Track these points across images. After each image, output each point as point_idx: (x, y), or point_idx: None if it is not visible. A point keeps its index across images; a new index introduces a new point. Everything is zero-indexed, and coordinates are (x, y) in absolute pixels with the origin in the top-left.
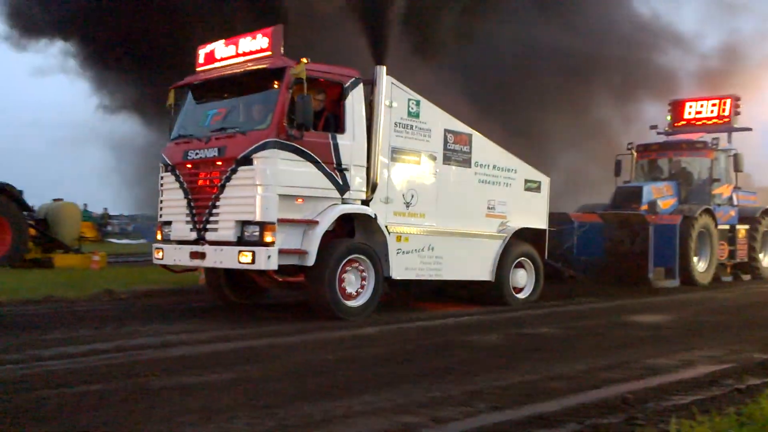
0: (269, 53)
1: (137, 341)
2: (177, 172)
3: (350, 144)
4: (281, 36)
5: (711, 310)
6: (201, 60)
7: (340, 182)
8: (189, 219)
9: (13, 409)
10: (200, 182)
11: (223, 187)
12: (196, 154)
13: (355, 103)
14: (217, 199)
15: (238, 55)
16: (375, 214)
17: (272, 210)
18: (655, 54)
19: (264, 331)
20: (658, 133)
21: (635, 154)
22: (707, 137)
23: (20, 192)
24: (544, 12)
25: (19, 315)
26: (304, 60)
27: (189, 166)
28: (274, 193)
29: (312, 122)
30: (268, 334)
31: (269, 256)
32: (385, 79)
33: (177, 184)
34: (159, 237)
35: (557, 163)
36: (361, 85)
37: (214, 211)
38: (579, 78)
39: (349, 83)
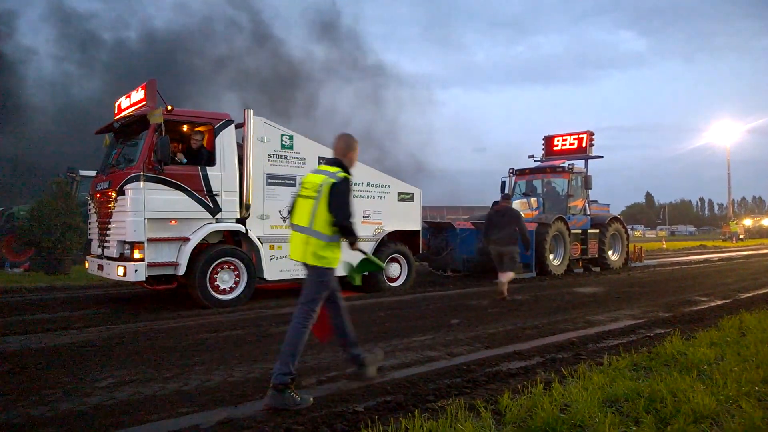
0: (144, 103)
1: None
2: (92, 201)
3: (220, 174)
4: (155, 89)
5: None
6: (115, 110)
7: (211, 205)
8: (97, 238)
9: None
10: (101, 209)
11: (111, 213)
12: (99, 186)
13: (224, 140)
14: (108, 222)
15: (130, 105)
16: (247, 229)
17: (140, 231)
18: None
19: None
20: (535, 161)
21: (513, 176)
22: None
23: None
24: None
25: None
26: (170, 107)
27: (97, 195)
28: (142, 218)
29: (169, 158)
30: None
31: (136, 270)
32: (253, 120)
33: (93, 210)
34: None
35: None
36: (232, 126)
37: (107, 232)
38: None
39: (218, 124)
